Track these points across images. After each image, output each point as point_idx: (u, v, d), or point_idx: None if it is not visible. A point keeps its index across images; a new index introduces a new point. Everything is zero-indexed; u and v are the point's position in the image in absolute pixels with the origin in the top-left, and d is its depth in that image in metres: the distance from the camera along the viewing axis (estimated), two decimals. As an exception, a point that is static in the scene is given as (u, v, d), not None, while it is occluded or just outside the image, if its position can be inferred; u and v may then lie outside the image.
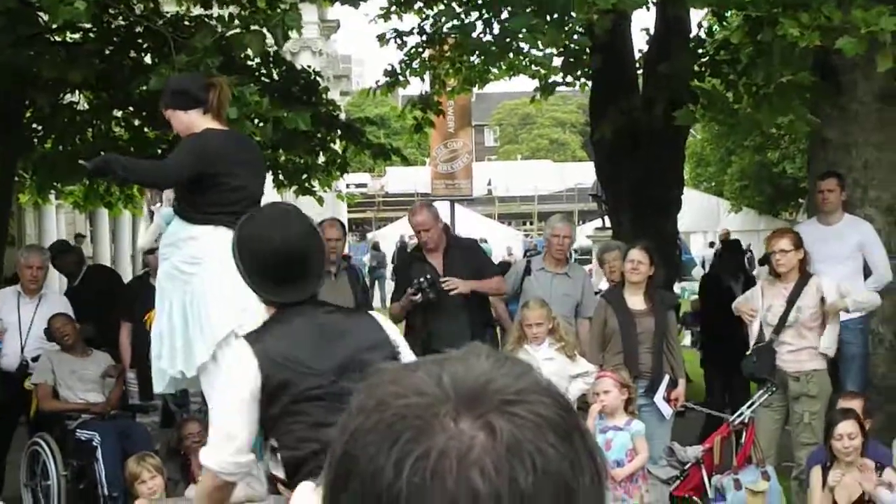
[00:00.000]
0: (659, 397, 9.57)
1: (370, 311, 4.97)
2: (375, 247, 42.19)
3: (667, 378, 9.64)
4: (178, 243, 6.79)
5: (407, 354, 4.72)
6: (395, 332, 4.83)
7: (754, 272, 24.69)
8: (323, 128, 14.06)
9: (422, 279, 9.90)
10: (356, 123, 15.22)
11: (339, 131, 14.64)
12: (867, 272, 10.47)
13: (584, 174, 52.22)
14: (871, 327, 10.73)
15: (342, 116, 15.80)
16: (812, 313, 9.35)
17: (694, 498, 9.29)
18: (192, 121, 6.89)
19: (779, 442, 9.51)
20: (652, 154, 13.84)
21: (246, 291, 6.85)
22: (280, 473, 4.59)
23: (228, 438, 4.58)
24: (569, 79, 15.74)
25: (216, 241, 6.80)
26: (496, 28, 12.90)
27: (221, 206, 6.65)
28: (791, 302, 9.40)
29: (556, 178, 70.10)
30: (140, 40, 12.23)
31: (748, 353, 9.55)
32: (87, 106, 14.46)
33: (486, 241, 35.98)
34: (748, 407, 9.47)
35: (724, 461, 9.44)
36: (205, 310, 6.62)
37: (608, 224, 18.65)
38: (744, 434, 9.39)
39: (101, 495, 9.90)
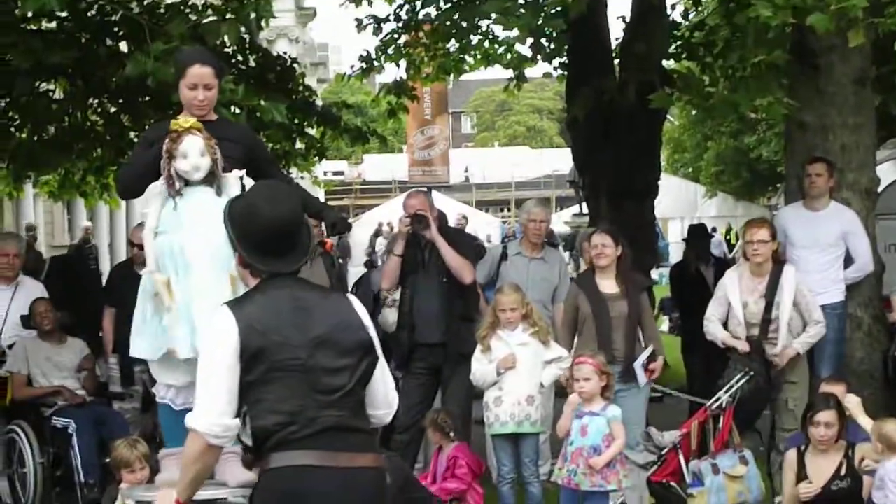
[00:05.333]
0: (638, 364, 9.54)
1: (346, 294, 5.16)
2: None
3: (649, 349, 9.64)
4: None
5: (375, 338, 4.92)
6: (366, 317, 4.95)
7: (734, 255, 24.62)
8: (300, 114, 14.00)
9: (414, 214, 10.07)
10: (333, 108, 15.17)
11: (315, 117, 14.59)
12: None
13: (561, 160, 52.23)
14: (850, 311, 10.73)
15: (318, 102, 15.73)
16: (788, 311, 9.53)
17: (671, 483, 9.28)
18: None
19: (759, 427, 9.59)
20: (628, 139, 13.81)
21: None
22: (248, 442, 4.71)
23: (212, 401, 4.67)
24: (545, 67, 15.76)
25: None
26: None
27: None
28: (769, 302, 9.54)
29: (533, 164, 70.14)
30: (116, 28, 12.15)
31: (743, 374, 9.55)
32: (62, 94, 14.37)
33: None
34: (726, 392, 9.47)
35: (701, 446, 9.45)
36: None
37: (586, 210, 18.62)
38: (721, 419, 9.39)
39: (78, 482, 9.89)
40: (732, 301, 9.72)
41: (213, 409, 4.66)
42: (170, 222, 6.48)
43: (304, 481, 4.57)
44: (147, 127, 10.20)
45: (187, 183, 6.51)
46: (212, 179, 6.58)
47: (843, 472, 8.20)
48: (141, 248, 9.72)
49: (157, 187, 6.52)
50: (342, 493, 4.60)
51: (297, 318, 4.73)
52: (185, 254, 6.39)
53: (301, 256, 4.97)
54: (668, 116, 20.06)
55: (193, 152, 6.50)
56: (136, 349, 6.62)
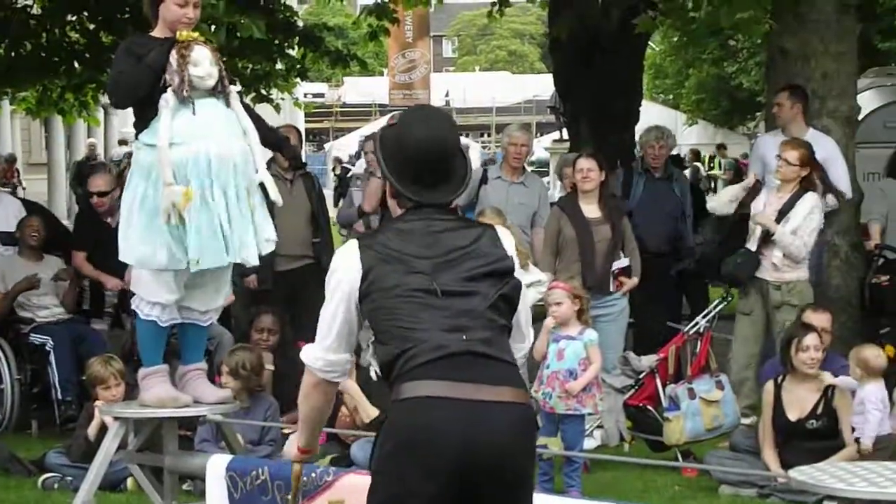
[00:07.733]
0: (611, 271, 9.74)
1: (496, 227, 4.68)
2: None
3: (626, 260, 9.76)
4: None
5: (518, 272, 4.52)
6: (511, 249, 4.55)
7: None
8: (280, 34, 13.90)
9: None
10: (314, 30, 15.07)
11: (296, 38, 14.49)
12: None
13: (542, 86, 52.05)
14: (828, 239, 10.75)
15: (300, 24, 15.63)
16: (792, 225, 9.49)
17: (648, 407, 9.35)
18: None
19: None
20: (610, 64, 13.77)
21: None
22: (377, 373, 4.44)
23: (321, 335, 4.48)
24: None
25: None
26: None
27: None
28: (783, 213, 9.50)
29: (514, 89, 69.76)
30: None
31: (735, 254, 9.55)
32: (40, 10, 14.25)
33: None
34: (703, 317, 9.52)
35: (678, 371, 9.51)
36: None
37: (566, 136, 18.58)
38: (699, 344, 9.44)
39: (55, 399, 9.91)
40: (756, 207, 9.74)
41: (320, 342, 4.46)
42: (185, 133, 6.46)
43: (422, 415, 4.16)
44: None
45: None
46: (219, 90, 6.61)
47: (819, 410, 8.24)
48: (101, 195, 9.81)
49: (166, 101, 6.47)
50: (465, 428, 4.13)
51: (424, 243, 4.39)
52: (213, 163, 6.43)
53: (456, 188, 4.56)
54: (649, 42, 19.96)
55: (204, 61, 6.52)
56: (136, 257, 6.58)
